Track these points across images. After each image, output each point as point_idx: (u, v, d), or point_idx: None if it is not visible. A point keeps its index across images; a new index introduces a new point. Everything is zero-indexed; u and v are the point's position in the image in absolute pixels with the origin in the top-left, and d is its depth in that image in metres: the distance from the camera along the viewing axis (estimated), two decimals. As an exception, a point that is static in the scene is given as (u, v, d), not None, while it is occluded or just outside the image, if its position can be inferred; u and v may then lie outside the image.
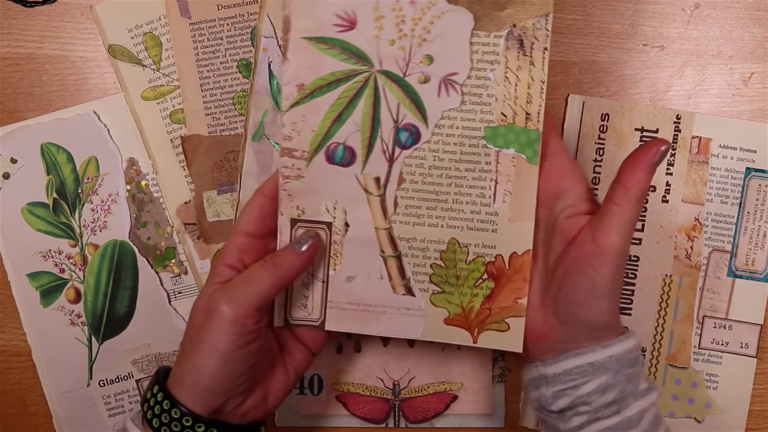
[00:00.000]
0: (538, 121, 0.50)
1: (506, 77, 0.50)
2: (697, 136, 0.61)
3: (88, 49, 0.61)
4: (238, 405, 0.50)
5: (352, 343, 0.63)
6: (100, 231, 0.62)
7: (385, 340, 0.63)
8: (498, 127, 0.50)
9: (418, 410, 0.63)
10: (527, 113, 0.50)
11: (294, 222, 0.52)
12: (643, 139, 0.61)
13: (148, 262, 0.62)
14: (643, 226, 0.61)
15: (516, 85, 0.50)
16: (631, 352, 0.49)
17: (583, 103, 0.61)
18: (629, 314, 0.62)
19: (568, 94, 0.61)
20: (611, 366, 0.48)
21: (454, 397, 0.63)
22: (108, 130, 0.61)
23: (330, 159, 0.51)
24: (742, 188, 0.61)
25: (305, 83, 0.50)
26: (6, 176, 0.61)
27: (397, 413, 0.63)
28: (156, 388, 0.50)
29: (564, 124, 0.62)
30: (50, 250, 0.61)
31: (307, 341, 0.54)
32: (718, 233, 0.62)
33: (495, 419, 0.63)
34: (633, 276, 0.62)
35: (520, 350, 0.52)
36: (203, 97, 0.60)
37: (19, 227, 0.61)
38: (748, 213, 0.62)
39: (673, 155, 0.61)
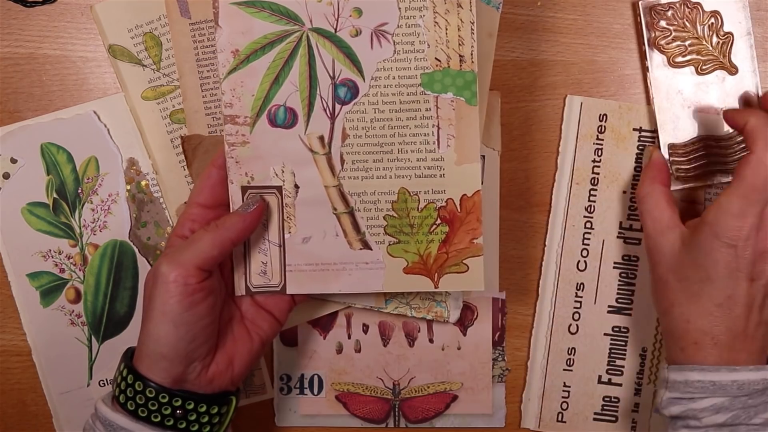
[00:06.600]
0: (473, 62, 0.51)
1: (436, 22, 0.51)
2: (696, 136, 0.61)
3: (88, 49, 0.61)
4: (201, 371, 0.50)
5: (352, 343, 0.63)
6: (100, 231, 0.62)
7: (385, 340, 0.63)
8: (434, 73, 0.51)
9: (418, 410, 0.63)
10: (461, 56, 0.51)
11: (245, 189, 0.52)
12: (641, 139, 0.61)
13: (148, 262, 0.62)
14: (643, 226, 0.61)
15: (446, 29, 0.51)
16: (756, 384, 0.49)
17: (581, 103, 0.61)
18: (629, 314, 0.62)
19: (566, 95, 0.61)
20: (732, 390, 0.49)
21: (454, 397, 0.63)
22: (108, 130, 0.61)
23: (272, 122, 0.52)
24: (741, 188, 0.61)
25: (240, 49, 0.51)
26: (6, 176, 0.61)
27: (397, 413, 0.63)
28: (122, 366, 0.50)
29: (562, 125, 0.62)
30: (50, 250, 0.61)
31: (270, 308, 0.54)
32: (717, 233, 0.62)
33: (495, 419, 0.63)
34: (633, 276, 0.62)
35: (482, 288, 0.53)
36: (203, 97, 0.60)
37: (19, 227, 0.61)
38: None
39: (672, 155, 0.61)
